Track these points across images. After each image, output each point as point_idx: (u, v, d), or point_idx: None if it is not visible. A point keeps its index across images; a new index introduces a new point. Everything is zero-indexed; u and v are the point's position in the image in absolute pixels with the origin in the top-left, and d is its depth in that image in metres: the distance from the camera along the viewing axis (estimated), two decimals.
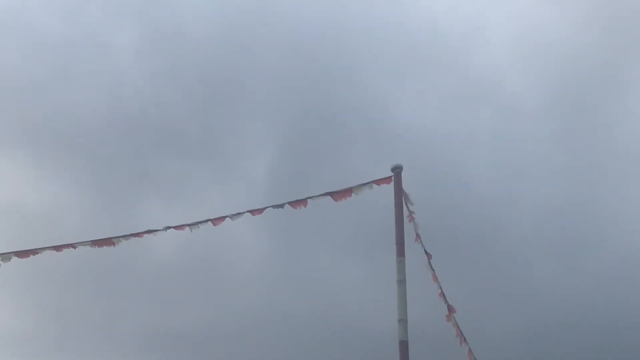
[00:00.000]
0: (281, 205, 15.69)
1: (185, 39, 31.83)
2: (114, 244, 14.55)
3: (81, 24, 32.02)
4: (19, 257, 14.05)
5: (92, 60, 31.70)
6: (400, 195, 15.73)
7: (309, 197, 15.77)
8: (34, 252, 13.95)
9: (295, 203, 15.73)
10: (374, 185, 16.10)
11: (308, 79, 31.38)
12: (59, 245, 14.28)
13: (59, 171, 30.49)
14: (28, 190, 29.61)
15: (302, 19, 32.06)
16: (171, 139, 30.76)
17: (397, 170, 15.93)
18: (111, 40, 31.88)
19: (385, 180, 15.98)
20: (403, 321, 14.61)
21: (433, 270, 16.63)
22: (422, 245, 16.47)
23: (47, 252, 14.02)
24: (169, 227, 15.14)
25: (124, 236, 14.76)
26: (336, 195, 15.97)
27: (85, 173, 30.42)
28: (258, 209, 15.60)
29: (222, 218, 15.42)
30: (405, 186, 16.00)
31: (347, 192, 16.05)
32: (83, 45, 31.77)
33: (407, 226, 16.09)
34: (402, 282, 14.93)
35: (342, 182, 26.00)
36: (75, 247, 14.18)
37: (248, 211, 15.54)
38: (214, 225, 15.44)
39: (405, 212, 16.03)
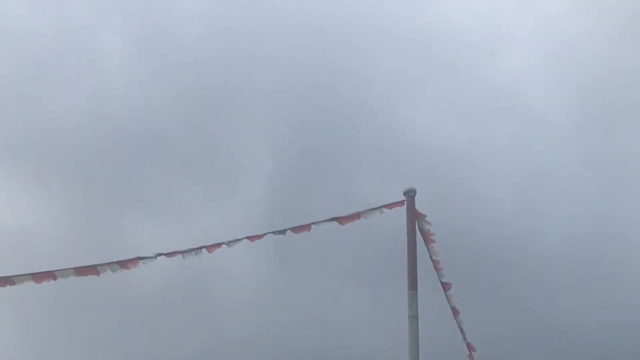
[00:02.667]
0: (283, 231, 15.77)
1: (177, 42, 32.00)
2: (98, 273, 14.62)
3: (64, 22, 32.20)
4: None
5: (75, 63, 31.87)
6: (413, 221, 15.82)
7: (313, 223, 15.86)
8: (10, 281, 13.99)
9: (298, 229, 15.82)
10: (385, 210, 16.22)
11: (311, 87, 31.49)
12: (38, 274, 14.32)
13: (36, 184, 30.57)
14: (2, 206, 29.70)
15: (306, 22, 32.21)
16: (160, 152, 30.86)
17: (410, 194, 16.02)
18: (96, 41, 32.05)
19: (397, 204, 16.09)
20: None
21: (451, 303, 16.77)
22: (439, 276, 16.59)
23: (25, 281, 14.07)
24: (159, 255, 15.19)
25: (110, 264, 14.80)
26: (343, 220, 16.08)
27: (65, 187, 30.52)
28: (257, 235, 15.68)
29: (218, 245, 15.49)
30: (419, 209, 16.11)
31: (354, 216, 16.17)
32: (65, 45, 31.95)
33: (422, 255, 16.19)
34: (413, 318, 14.96)
35: (348, 201, 26.19)
36: (55, 279, 14.24)
37: (246, 237, 15.61)
38: (209, 252, 15.52)
39: (420, 237, 16.16)
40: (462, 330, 17.04)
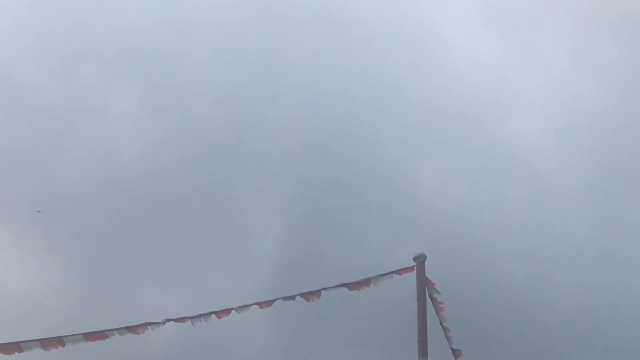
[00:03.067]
0: (292, 297, 15.82)
1: (186, 106, 32.16)
2: (107, 339, 14.65)
3: (73, 85, 32.43)
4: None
5: (84, 126, 32.02)
6: (423, 287, 15.87)
7: (323, 289, 15.90)
8: (18, 348, 14.00)
9: (307, 295, 15.86)
10: (395, 275, 16.27)
11: (320, 151, 31.57)
12: (46, 339, 14.35)
13: (45, 249, 30.56)
14: (11, 271, 29.67)
15: (315, 84, 32.40)
16: (169, 216, 30.86)
17: (420, 259, 16.07)
18: (106, 105, 32.25)
19: (407, 270, 16.15)
20: None
21: None
22: (449, 343, 16.55)
23: (34, 348, 14.08)
24: (168, 320, 15.25)
25: (119, 329, 14.84)
26: (353, 286, 16.12)
27: (74, 252, 30.47)
28: (267, 301, 15.75)
29: (227, 310, 15.56)
30: (429, 273, 16.16)
31: (365, 282, 16.21)
32: (75, 109, 32.14)
33: (431, 319, 16.19)
34: None
35: (358, 265, 26.05)
36: (64, 345, 14.25)
37: (256, 303, 15.66)
38: (218, 318, 15.57)
39: (430, 303, 16.18)
40: None
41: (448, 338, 16.68)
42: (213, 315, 15.49)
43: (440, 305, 16.47)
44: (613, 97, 32.03)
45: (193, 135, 31.82)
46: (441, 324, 16.70)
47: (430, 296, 16.21)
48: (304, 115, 32.18)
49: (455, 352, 16.89)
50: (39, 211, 27.62)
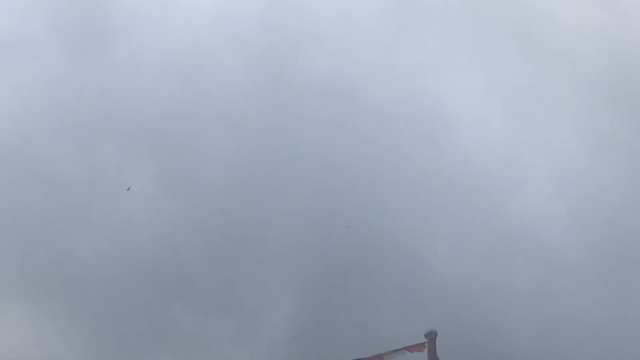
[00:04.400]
0: None
1: (200, 183, 32.46)
2: None
3: (92, 163, 32.83)
4: None
5: (102, 203, 32.34)
6: None
7: None
8: None
9: None
10: (407, 352, 16.49)
11: (333, 226, 31.73)
12: None
13: (63, 325, 30.65)
14: (30, 346, 29.73)
15: (327, 160, 32.72)
16: (185, 291, 30.99)
17: (431, 336, 16.33)
18: (123, 182, 32.58)
19: (419, 346, 16.40)
20: None
21: None
22: None
23: None
24: None
25: None
26: None
27: (91, 327, 30.57)
28: None
29: None
30: (440, 345, 16.41)
31: (377, 358, 16.44)
32: (93, 186, 32.50)
33: None
34: None
35: (370, 338, 26.17)
36: None
37: None
38: None
39: None
40: None
41: None
42: None
43: None
44: (618, 172, 32.24)
45: (207, 212, 32.08)
46: None
47: None
48: (318, 191, 32.45)
49: None
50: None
